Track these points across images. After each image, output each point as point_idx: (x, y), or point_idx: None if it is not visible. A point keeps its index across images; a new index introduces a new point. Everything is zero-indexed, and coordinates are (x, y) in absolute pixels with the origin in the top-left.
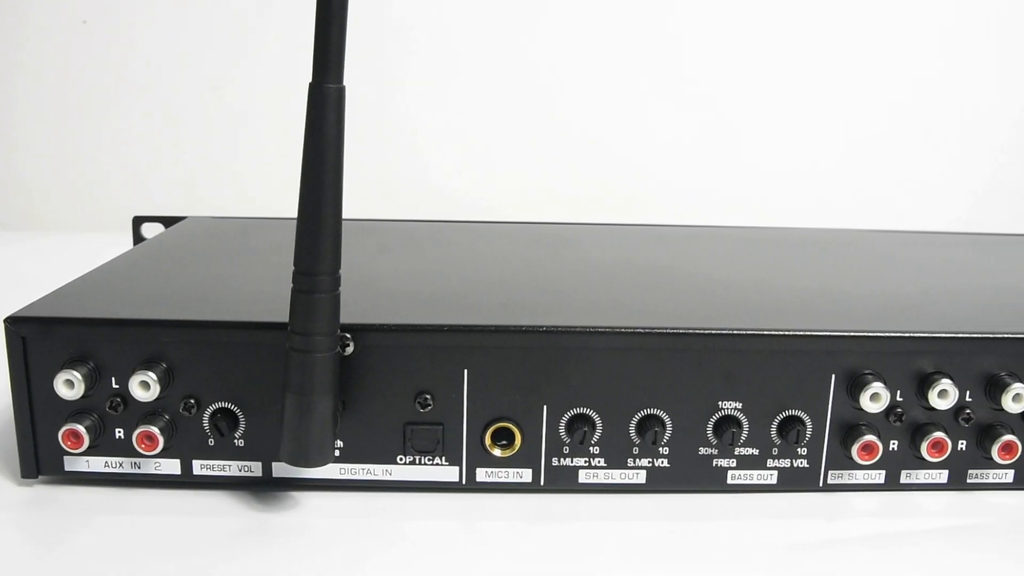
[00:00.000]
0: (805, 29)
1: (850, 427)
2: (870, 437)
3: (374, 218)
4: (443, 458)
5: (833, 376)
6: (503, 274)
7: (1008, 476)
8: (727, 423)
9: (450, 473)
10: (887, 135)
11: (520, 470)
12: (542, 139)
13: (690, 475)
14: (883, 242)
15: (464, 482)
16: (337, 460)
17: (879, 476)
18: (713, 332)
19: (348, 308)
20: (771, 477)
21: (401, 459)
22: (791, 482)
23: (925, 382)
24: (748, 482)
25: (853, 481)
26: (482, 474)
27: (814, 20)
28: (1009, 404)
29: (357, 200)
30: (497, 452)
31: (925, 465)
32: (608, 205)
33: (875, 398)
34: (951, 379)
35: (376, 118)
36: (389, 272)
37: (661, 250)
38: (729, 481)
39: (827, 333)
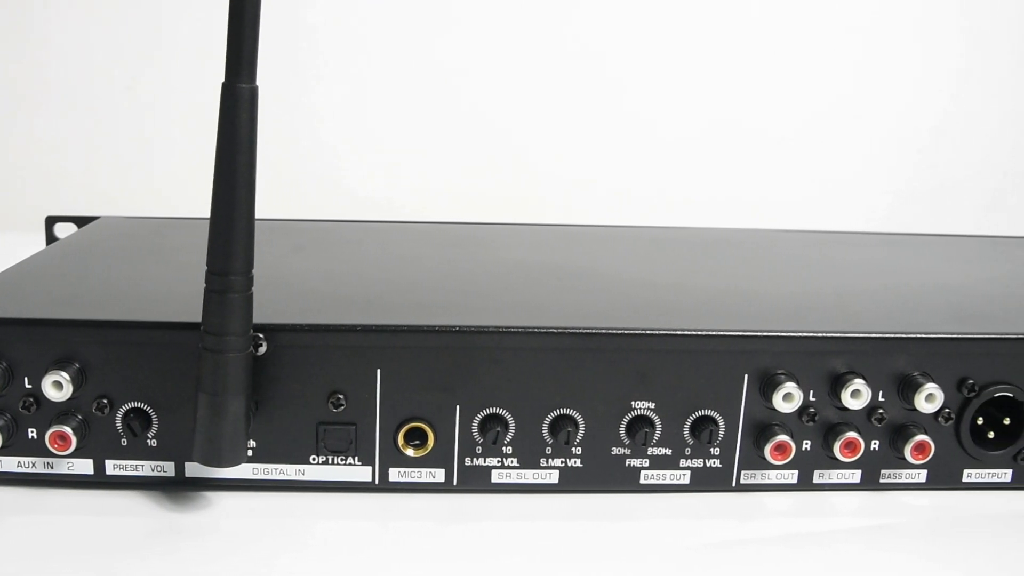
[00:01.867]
0: (722, 25)
1: (763, 427)
2: (783, 437)
3: (287, 218)
4: (356, 458)
5: (746, 376)
6: (416, 274)
7: (921, 476)
8: (640, 423)
9: (363, 473)
10: (803, 134)
11: (433, 470)
12: (455, 139)
13: (603, 475)
14: (797, 242)
15: (377, 482)
16: (250, 460)
17: (792, 476)
18: (626, 332)
19: (261, 308)
20: (684, 477)
21: (314, 459)
22: (704, 482)
23: (838, 382)
24: (661, 482)
25: (766, 481)
26: (395, 474)
27: (732, 17)
28: (922, 404)
29: (270, 200)
30: (410, 452)
31: (838, 465)
32: (522, 205)
33: (788, 398)
34: (864, 379)
35: (290, 118)
36: (302, 272)
37: (574, 250)
38: (642, 481)
39: (740, 333)
